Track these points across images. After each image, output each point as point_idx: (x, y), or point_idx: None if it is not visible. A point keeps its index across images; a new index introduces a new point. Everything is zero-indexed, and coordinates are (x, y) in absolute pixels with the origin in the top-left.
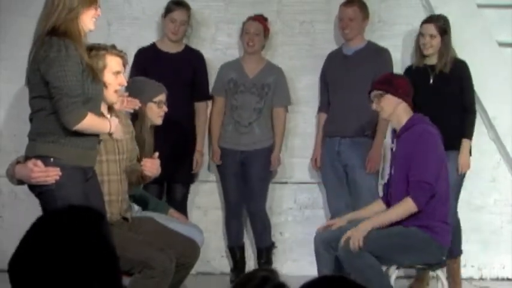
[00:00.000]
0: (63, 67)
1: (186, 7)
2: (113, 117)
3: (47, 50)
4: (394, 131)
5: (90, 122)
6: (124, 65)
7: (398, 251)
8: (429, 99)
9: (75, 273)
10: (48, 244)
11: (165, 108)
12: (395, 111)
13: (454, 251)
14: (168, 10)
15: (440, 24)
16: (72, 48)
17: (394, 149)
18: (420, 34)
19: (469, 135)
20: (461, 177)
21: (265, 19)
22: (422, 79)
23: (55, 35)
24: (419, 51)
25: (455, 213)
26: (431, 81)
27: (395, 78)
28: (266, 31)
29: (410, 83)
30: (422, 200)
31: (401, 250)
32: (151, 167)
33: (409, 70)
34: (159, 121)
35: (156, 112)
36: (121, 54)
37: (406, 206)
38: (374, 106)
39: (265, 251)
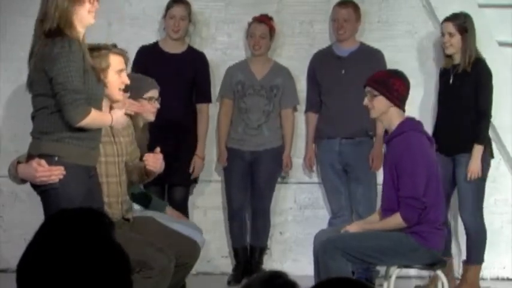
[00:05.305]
0: (67, 63)
1: (185, 3)
2: (116, 110)
3: (51, 47)
4: (386, 132)
5: (93, 119)
6: (126, 63)
7: (385, 253)
8: (446, 100)
9: (85, 274)
10: (58, 245)
11: (157, 105)
12: (386, 113)
13: (470, 258)
14: (167, 8)
15: (460, 22)
16: (76, 44)
17: (384, 152)
18: (441, 33)
19: (482, 140)
20: (477, 183)
21: (270, 18)
22: (444, 80)
23: (57, 35)
24: (443, 51)
25: (474, 220)
26: (450, 81)
27: (393, 78)
28: (272, 31)
29: (408, 85)
30: (412, 217)
31: (388, 252)
32: (154, 161)
33: (440, 72)
34: (151, 117)
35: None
36: (122, 53)
37: (396, 222)
38: (365, 101)
39: (259, 251)
